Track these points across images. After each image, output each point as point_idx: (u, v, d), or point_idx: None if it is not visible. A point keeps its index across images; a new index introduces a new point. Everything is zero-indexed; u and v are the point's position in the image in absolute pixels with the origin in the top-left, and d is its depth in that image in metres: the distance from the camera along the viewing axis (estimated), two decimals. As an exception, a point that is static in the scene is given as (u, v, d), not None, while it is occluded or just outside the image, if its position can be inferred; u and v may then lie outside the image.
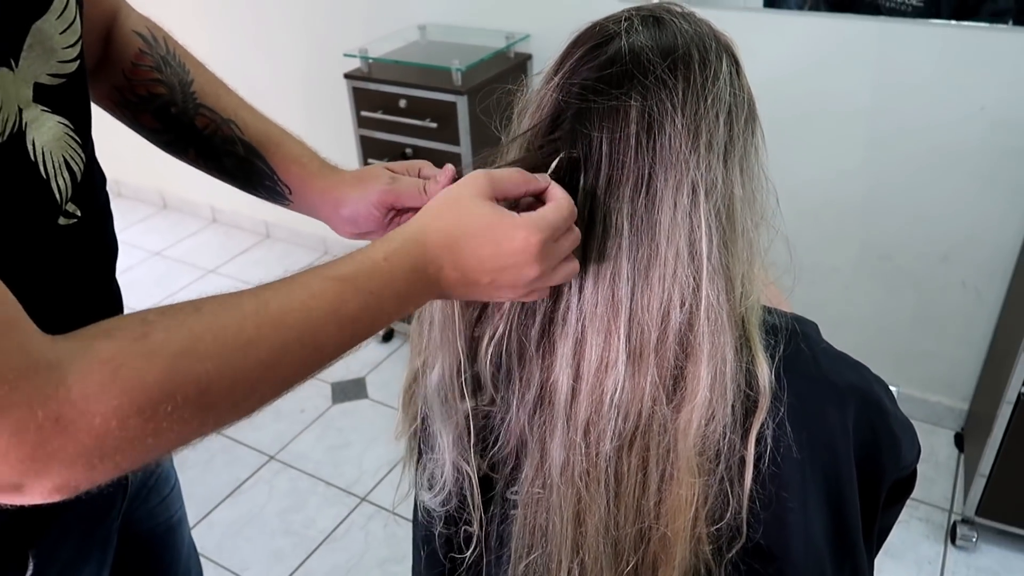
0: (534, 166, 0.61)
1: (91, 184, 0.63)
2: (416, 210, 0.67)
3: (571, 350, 0.62)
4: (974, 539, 1.76)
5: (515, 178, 0.58)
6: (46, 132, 0.56)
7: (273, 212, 3.22)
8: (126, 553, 0.82)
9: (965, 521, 1.77)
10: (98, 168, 0.67)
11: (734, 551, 0.66)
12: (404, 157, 2.14)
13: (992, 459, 1.66)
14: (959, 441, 2.04)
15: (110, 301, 0.70)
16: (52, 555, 0.68)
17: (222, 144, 0.78)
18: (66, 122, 0.58)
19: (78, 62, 0.59)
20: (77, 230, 0.61)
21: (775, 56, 1.84)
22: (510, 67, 2.12)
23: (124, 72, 0.75)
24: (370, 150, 2.19)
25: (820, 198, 1.95)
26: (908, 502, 1.98)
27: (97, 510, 0.74)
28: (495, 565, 0.75)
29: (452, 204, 0.56)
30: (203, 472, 2.12)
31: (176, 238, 3.30)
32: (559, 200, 0.57)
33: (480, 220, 0.55)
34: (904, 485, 0.80)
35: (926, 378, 2.06)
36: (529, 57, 2.18)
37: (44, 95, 0.56)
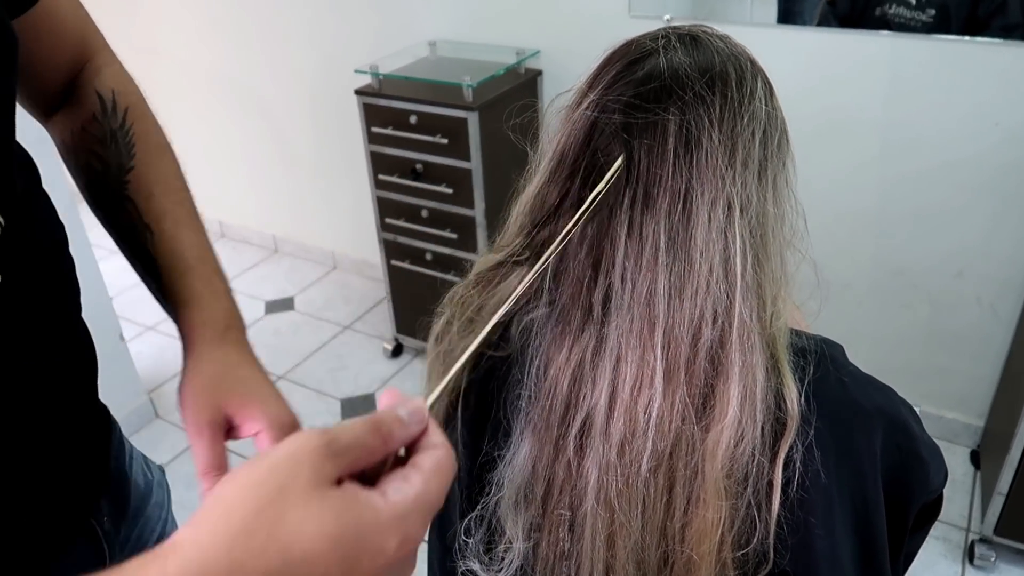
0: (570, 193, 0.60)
1: (21, 245, 0.57)
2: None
3: (610, 369, 0.61)
4: (993, 559, 1.73)
5: (368, 442, 0.36)
6: None
7: (282, 227, 3.23)
8: None
9: (983, 540, 1.75)
10: (36, 226, 0.62)
11: (760, 577, 0.65)
12: (414, 173, 2.14)
13: (1011, 477, 1.64)
14: (975, 459, 2.02)
15: (68, 352, 0.65)
16: None
17: (133, 247, 0.68)
18: None
19: None
20: (2, 294, 0.55)
21: (788, 71, 1.84)
22: (521, 83, 2.12)
23: (73, 132, 0.69)
24: (380, 166, 2.19)
25: (832, 213, 1.94)
26: (926, 521, 1.92)
27: None
28: None
29: (266, 508, 0.33)
30: (212, 489, 2.11)
31: (185, 253, 3.31)
32: (441, 463, 0.38)
33: (317, 536, 0.33)
34: (931, 509, 0.79)
35: (941, 395, 2.04)
36: (539, 73, 2.18)
37: None
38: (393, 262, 2.36)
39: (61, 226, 0.66)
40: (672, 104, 0.58)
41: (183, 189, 0.70)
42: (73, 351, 0.66)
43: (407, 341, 2.53)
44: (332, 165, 2.86)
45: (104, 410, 0.74)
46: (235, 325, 0.66)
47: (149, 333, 2.74)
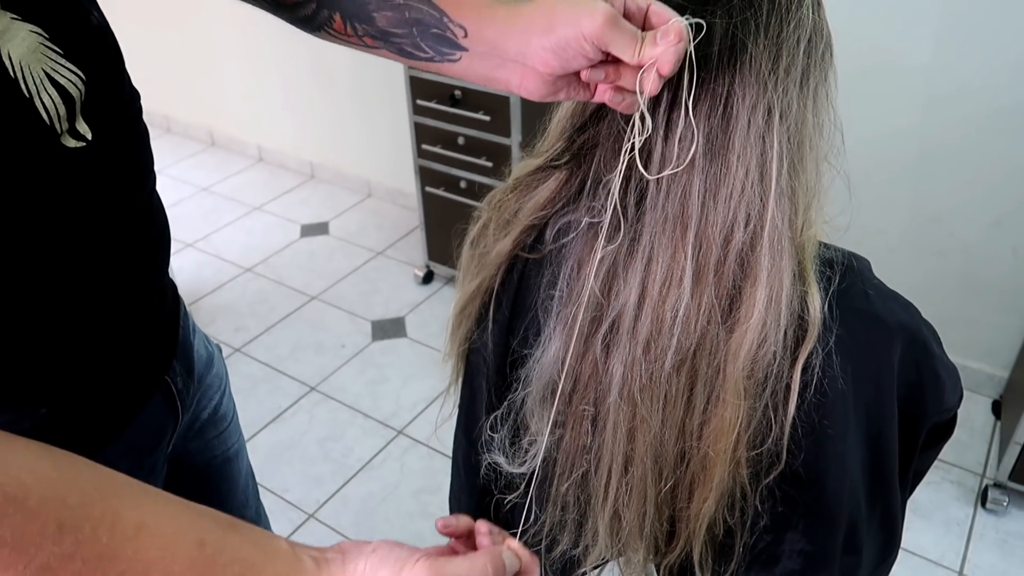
0: None
1: (105, 102, 0.59)
2: (620, 67, 0.56)
3: (641, 269, 0.63)
4: (1005, 503, 1.76)
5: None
6: (19, 43, 0.50)
7: (318, 153, 3.26)
8: (182, 484, 0.83)
9: (997, 485, 1.77)
10: (118, 86, 0.63)
11: (772, 476, 0.68)
12: (453, 99, 2.14)
13: (1030, 426, 1.65)
14: (996, 408, 2.03)
15: (145, 219, 0.69)
16: None
17: None
18: (39, 31, 0.52)
19: None
20: (91, 152, 0.57)
21: (834, 6, 1.80)
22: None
23: None
24: (419, 91, 2.20)
25: (871, 157, 1.92)
26: (940, 465, 1.96)
27: (146, 441, 0.75)
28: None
29: None
30: (246, 399, 2.20)
31: (223, 175, 3.36)
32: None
33: None
34: (943, 430, 0.80)
35: (967, 344, 2.04)
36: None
37: (11, 1, 0.50)
38: (428, 189, 2.38)
39: (138, 95, 0.68)
40: (719, 7, 0.58)
41: None
42: (151, 220, 0.70)
43: (438, 268, 2.57)
44: (371, 90, 2.86)
45: (173, 283, 0.80)
46: None
47: (189, 250, 2.81)
